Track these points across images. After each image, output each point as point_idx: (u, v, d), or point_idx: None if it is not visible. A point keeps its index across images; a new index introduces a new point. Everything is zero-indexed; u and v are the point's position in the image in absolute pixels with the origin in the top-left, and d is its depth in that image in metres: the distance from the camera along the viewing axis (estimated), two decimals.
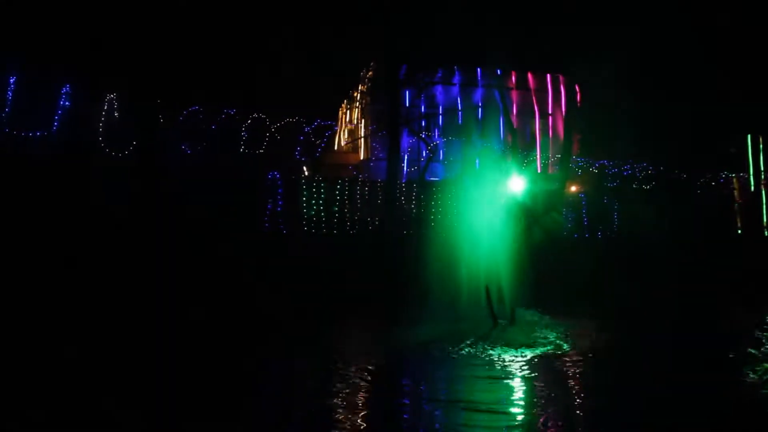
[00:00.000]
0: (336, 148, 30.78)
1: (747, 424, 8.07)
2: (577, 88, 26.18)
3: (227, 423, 8.04)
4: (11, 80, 16.26)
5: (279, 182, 19.38)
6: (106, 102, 17.62)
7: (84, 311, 13.66)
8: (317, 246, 19.16)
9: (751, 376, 10.04)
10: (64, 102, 16.80)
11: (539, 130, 28.92)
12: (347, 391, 9.34)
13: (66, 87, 16.87)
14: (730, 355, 11.80)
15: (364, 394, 9.30)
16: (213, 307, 15.09)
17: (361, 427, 7.84)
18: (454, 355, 11.52)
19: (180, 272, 16.15)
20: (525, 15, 24.26)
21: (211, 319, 14.29)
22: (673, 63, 26.92)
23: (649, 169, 27.45)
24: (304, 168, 22.56)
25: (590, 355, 11.88)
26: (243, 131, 19.87)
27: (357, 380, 9.90)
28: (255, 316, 15.06)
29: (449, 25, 21.75)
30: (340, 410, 8.46)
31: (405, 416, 8.57)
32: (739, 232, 27.70)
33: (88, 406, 8.49)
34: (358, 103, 29.61)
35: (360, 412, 8.46)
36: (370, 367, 10.71)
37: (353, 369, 10.51)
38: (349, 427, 7.79)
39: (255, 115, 20.00)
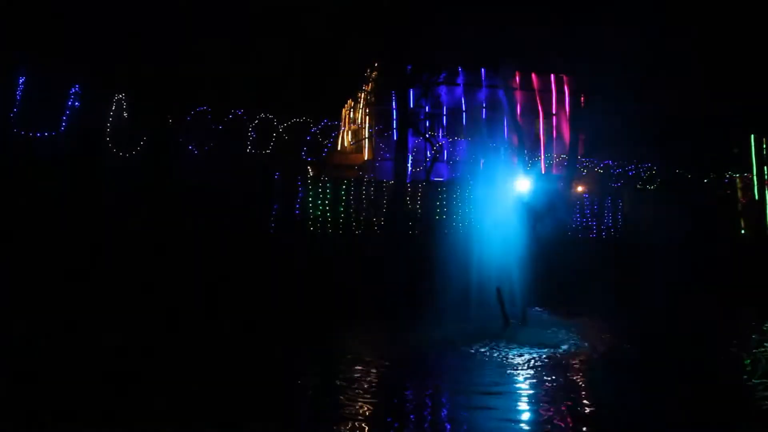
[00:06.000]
0: (339, 148, 30.76)
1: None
2: (581, 88, 26.24)
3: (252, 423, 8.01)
4: (20, 80, 16.23)
5: (284, 182, 19.37)
6: (115, 102, 17.60)
7: (93, 311, 13.63)
8: (323, 246, 19.14)
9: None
10: (73, 102, 16.76)
11: (543, 130, 28.96)
12: (361, 392, 9.26)
13: (75, 87, 16.85)
14: (741, 354, 11.84)
15: (379, 395, 9.24)
16: (218, 307, 15.08)
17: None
18: (467, 356, 11.47)
19: (188, 272, 16.17)
20: (529, 15, 24.31)
21: (218, 319, 14.28)
22: (676, 63, 26.98)
23: (654, 169, 27.50)
24: (309, 168, 22.55)
25: (603, 354, 11.93)
26: (250, 131, 19.85)
27: (375, 379, 9.86)
28: (261, 316, 15.02)
29: (454, 25, 21.77)
30: (353, 412, 8.31)
31: (422, 418, 8.50)
32: (743, 231, 27.80)
33: None
34: (362, 103, 29.59)
35: (378, 414, 8.42)
36: (384, 368, 10.68)
37: (366, 369, 10.46)
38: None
39: (262, 115, 19.97)
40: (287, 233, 18.90)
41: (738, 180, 28.66)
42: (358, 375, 10.08)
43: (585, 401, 9.10)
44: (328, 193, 19.93)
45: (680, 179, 27.51)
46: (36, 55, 17.04)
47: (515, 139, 26.00)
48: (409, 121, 22.79)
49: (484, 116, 27.78)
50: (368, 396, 8.98)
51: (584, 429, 7.82)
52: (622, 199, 25.57)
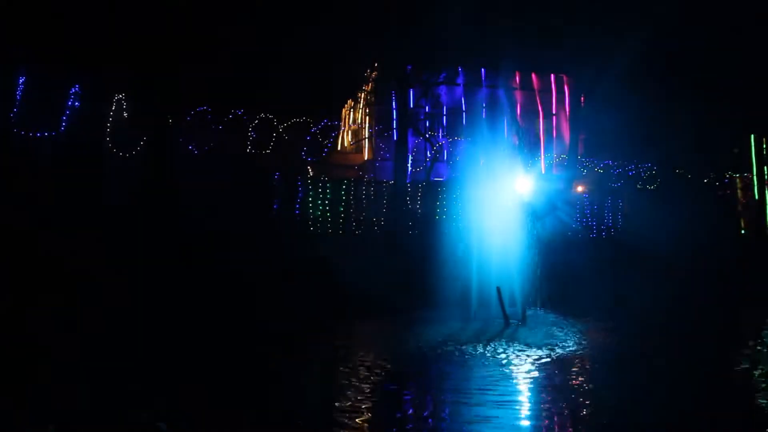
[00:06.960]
0: (339, 148, 30.76)
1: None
2: (581, 88, 26.29)
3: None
4: (20, 80, 16.24)
5: (285, 182, 19.38)
6: (115, 102, 17.61)
7: (89, 312, 13.62)
8: (323, 246, 19.14)
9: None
10: (73, 102, 16.77)
11: (543, 130, 28.99)
12: (363, 392, 9.23)
13: (75, 87, 16.86)
14: (737, 354, 11.82)
15: (378, 398, 9.18)
16: (218, 308, 15.04)
17: None
18: (467, 358, 11.43)
19: (187, 272, 16.16)
20: (529, 15, 24.35)
21: (217, 320, 14.25)
22: (676, 63, 27.01)
23: (653, 169, 27.52)
24: (309, 168, 22.56)
25: (604, 354, 11.93)
26: (250, 131, 19.88)
27: (374, 382, 9.83)
28: (261, 316, 15.00)
29: (454, 25, 21.79)
30: (353, 415, 8.23)
31: (421, 420, 8.46)
32: (743, 231, 27.81)
33: None
34: (362, 103, 29.59)
35: (380, 417, 8.39)
36: (382, 369, 10.65)
37: (368, 370, 10.42)
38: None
39: (262, 115, 20.01)
40: (287, 233, 18.90)
41: (738, 180, 28.66)
42: (356, 376, 10.03)
43: (587, 405, 9.04)
44: (328, 193, 19.93)
45: (680, 179, 27.53)
46: (36, 55, 17.03)
47: (515, 139, 25.99)
48: (409, 121, 22.84)
49: (484, 116, 27.80)
50: (367, 402, 8.88)
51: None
52: (622, 199, 25.59)
